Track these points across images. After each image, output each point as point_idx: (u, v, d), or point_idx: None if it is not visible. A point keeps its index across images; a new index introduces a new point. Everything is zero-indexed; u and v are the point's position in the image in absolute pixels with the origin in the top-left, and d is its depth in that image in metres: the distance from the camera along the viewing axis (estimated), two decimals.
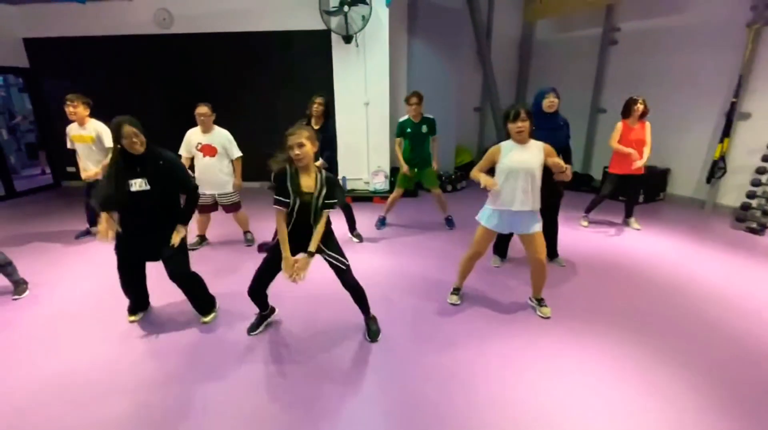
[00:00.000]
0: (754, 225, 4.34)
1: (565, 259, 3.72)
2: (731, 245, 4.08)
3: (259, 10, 5.90)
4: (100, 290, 3.25)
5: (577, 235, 4.41)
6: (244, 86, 6.27)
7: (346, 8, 4.93)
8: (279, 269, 2.40)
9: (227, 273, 3.55)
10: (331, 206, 2.33)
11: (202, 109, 3.66)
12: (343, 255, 2.44)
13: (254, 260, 3.77)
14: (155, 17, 6.07)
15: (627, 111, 4.12)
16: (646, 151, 4.15)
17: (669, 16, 5.35)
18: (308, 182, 2.25)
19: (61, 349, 2.51)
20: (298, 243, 2.37)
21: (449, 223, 4.65)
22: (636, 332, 2.63)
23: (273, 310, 2.76)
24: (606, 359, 2.38)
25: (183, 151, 3.79)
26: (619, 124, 4.17)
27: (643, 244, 4.16)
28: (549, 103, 3.20)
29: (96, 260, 3.88)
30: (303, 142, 2.15)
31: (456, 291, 3.03)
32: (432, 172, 4.38)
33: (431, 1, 5.94)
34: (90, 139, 3.91)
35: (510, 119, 2.47)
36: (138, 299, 2.81)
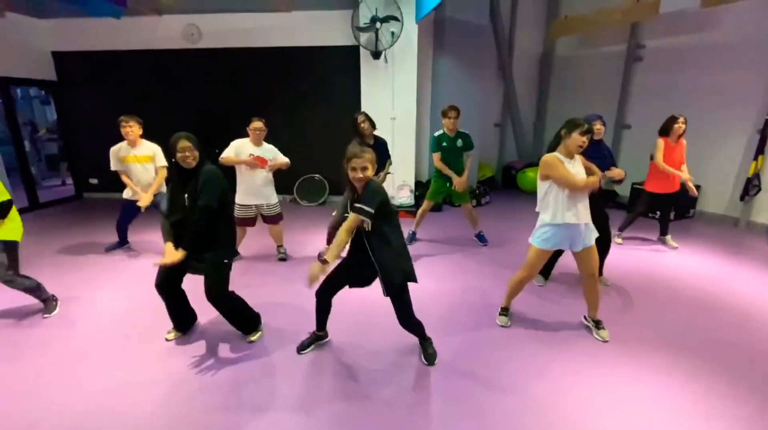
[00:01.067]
0: None
1: (607, 277, 3.64)
2: None
3: (286, 25, 5.96)
4: (136, 306, 3.19)
5: (613, 252, 4.33)
6: (273, 101, 6.30)
7: (378, 24, 4.97)
8: (344, 281, 2.39)
9: (257, 287, 3.48)
10: (358, 211, 2.07)
11: (258, 124, 3.69)
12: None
13: (286, 275, 3.82)
14: (184, 32, 6.15)
15: (667, 129, 4.05)
16: (685, 169, 4.10)
17: (695, 33, 5.36)
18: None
19: (102, 369, 2.43)
20: (356, 260, 2.29)
21: (481, 239, 4.57)
22: (697, 357, 2.54)
23: (327, 334, 2.68)
24: (673, 384, 2.28)
25: (231, 154, 3.69)
26: (661, 142, 4.06)
27: (681, 262, 4.08)
28: (596, 130, 3.16)
29: (127, 274, 3.83)
30: (367, 166, 2.09)
31: (504, 311, 2.95)
32: (464, 187, 4.32)
33: (457, 18, 5.99)
34: (148, 158, 3.95)
35: (581, 131, 2.36)
36: (181, 317, 2.74)
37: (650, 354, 2.57)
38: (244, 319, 2.69)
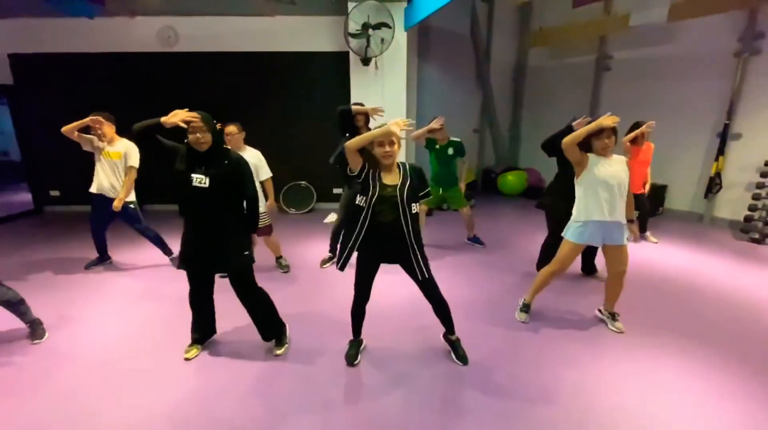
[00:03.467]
0: (757, 235, 4.70)
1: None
2: (738, 253, 4.41)
3: (271, 30, 5.86)
4: (135, 326, 2.95)
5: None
6: (257, 107, 6.13)
7: (369, 31, 5.00)
8: (372, 278, 2.37)
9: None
10: (427, 196, 2.33)
11: (230, 129, 3.52)
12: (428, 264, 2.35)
13: (295, 286, 3.71)
14: (159, 35, 5.87)
15: (634, 139, 4.28)
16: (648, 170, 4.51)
17: (660, 46, 5.84)
18: (391, 178, 2.21)
19: (117, 399, 2.21)
20: (380, 247, 2.27)
21: (477, 241, 4.68)
22: (705, 340, 2.74)
23: (363, 340, 2.64)
24: (689, 366, 2.45)
25: None
26: (627, 145, 4.33)
27: (658, 255, 4.39)
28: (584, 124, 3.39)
29: (115, 291, 3.55)
30: (394, 140, 2.14)
31: (525, 308, 3.02)
32: (458, 192, 4.44)
33: (440, 26, 6.16)
34: (117, 155, 3.70)
35: (599, 135, 2.52)
36: (205, 322, 2.61)
37: (660, 340, 2.73)
38: (274, 319, 2.61)
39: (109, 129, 3.67)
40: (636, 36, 5.88)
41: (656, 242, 4.74)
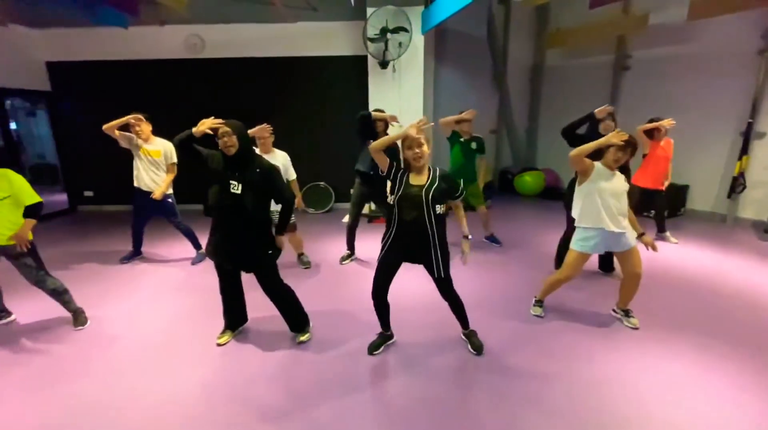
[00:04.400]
0: None
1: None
2: (762, 254, 4.33)
3: (292, 36, 6.05)
4: (169, 314, 3.16)
5: None
6: (279, 110, 6.33)
7: (388, 35, 5.13)
8: (391, 276, 2.45)
9: None
10: (461, 196, 2.43)
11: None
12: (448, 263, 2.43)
13: (318, 281, 3.85)
14: (186, 42, 6.14)
15: (650, 132, 4.31)
16: (669, 167, 4.44)
17: (681, 44, 5.78)
18: (419, 179, 2.29)
19: (155, 379, 2.40)
20: (405, 245, 2.35)
21: (494, 240, 4.73)
22: (720, 338, 2.74)
23: (393, 334, 2.72)
24: (704, 362, 2.46)
25: None
26: (642, 135, 4.30)
27: (677, 255, 4.35)
28: (605, 127, 3.46)
29: (149, 282, 3.78)
30: (422, 142, 2.24)
31: (539, 303, 3.09)
32: (477, 189, 4.52)
33: (457, 29, 6.25)
34: (157, 153, 3.97)
35: (617, 147, 2.53)
36: (235, 310, 2.78)
37: (678, 337, 2.75)
38: (298, 313, 2.74)
39: (146, 127, 3.95)
40: (655, 35, 5.83)
41: (676, 243, 4.69)
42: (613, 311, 3.05)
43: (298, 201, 3.90)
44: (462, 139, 4.37)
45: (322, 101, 6.34)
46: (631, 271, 2.78)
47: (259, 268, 2.54)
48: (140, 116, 3.89)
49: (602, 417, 2.05)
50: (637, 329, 2.85)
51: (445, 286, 2.46)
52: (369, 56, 5.56)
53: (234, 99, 6.35)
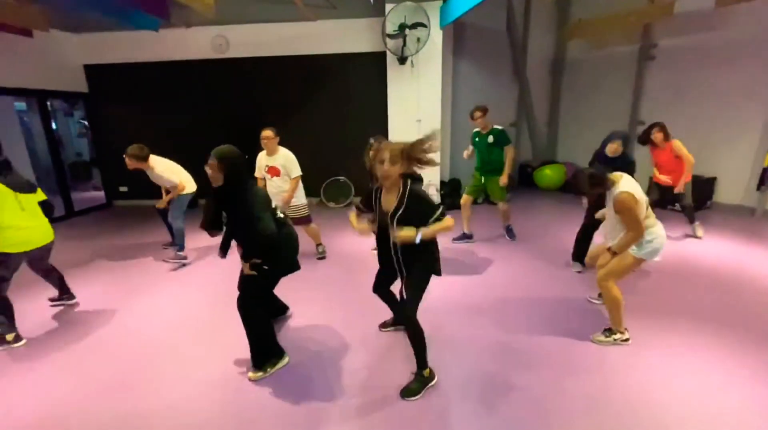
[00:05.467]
0: None
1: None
2: None
3: (313, 34, 6.19)
4: (194, 304, 3.36)
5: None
6: (300, 107, 6.52)
7: (406, 31, 5.20)
8: (390, 278, 2.41)
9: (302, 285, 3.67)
10: (437, 220, 2.00)
11: (265, 133, 3.86)
12: (419, 290, 2.14)
13: (332, 270, 4.01)
14: (212, 43, 6.38)
15: (646, 140, 4.37)
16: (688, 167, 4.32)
17: (709, 32, 5.61)
18: (388, 202, 2.08)
19: (179, 364, 2.59)
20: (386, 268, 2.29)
21: (509, 233, 4.73)
22: (741, 332, 2.73)
23: (433, 375, 2.30)
24: (722, 355, 2.47)
25: (257, 174, 4.04)
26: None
27: (703, 248, 4.28)
28: (613, 149, 3.43)
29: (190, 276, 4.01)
30: (384, 157, 1.97)
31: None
32: (497, 183, 4.38)
33: (475, 23, 6.24)
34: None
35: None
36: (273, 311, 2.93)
37: (697, 327, 2.77)
38: (258, 347, 2.41)
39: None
40: (682, 23, 5.67)
41: (701, 238, 4.59)
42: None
43: (288, 196, 3.92)
44: (479, 134, 4.38)
45: (341, 98, 6.47)
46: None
47: (242, 282, 2.44)
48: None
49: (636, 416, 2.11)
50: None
51: (406, 314, 2.15)
52: (388, 52, 5.65)
53: (257, 97, 6.58)
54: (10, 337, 2.79)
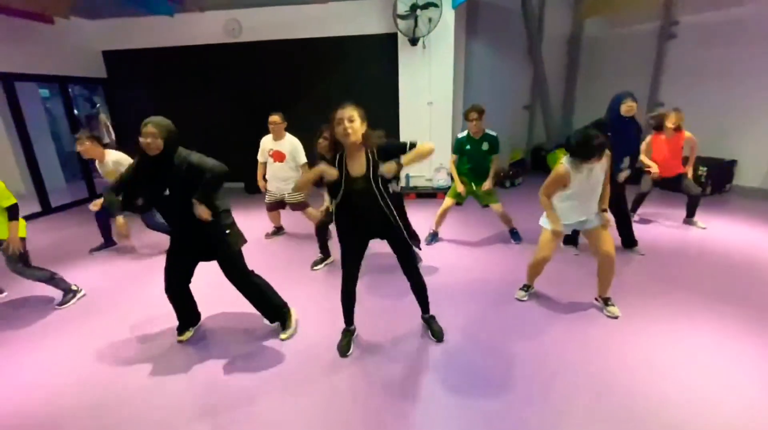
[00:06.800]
0: None
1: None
2: None
3: (324, 16, 6.18)
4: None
5: (660, 229, 4.49)
6: (312, 90, 6.56)
7: (418, 11, 5.15)
8: (360, 258, 2.36)
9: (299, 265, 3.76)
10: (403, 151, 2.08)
11: (273, 118, 3.92)
12: (416, 237, 2.33)
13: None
14: (225, 27, 6.43)
15: (660, 125, 4.17)
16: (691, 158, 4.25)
17: (732, 8, 5.38)
18: (358, 167, 2.09)
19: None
20: (361, 223, 2.22)
21: (514, 235, 4.19)
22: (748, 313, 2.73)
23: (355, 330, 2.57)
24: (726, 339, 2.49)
25: (259, 157, 4.13)
26: (649, 138, 4.25)
27: (721, 233, 4.20)
28: (627, 107, 3.27)
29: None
30: (354, 117, 2.07)
31: (526, 288, 3.02)
32: (489, 189, 3.96)
33: (489, 1, 6.12)
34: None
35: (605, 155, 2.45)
36: (185, 311, 2.66)
37: (727, 318, 2.77)
38: (269, 305, 2.60)
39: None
40: None
41: (704, 228, 4.45)
42: (596, 299, 2.89)
43: (302, 181, 3.31)
44: (471, 141, 3.86)
45: (352, 80, 6.47)
46: (602, 249, 2.63)
47: (222, 253, 2.43)
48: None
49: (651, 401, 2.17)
50: (616, 318, 2.69)
51: (416, 265, 2.38)
52: (399, 34, 5.61)
53: (269, 81, 6.64)
54: (75, 287, 3.24)
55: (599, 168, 2.51)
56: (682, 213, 4.51)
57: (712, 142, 5.68)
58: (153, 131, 2.14)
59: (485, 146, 3.84)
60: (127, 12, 6.18)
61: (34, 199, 5.85)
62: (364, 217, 2.17)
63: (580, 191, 2.56)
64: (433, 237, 4.28)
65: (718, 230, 4.28)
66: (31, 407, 2.13)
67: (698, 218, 4.43)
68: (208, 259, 2.46)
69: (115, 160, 3.74)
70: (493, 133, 3.86)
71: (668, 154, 4.19)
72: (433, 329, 2.54)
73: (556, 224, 2.63)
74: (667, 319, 2.68)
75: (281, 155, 3.99)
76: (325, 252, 3.76)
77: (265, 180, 4.19)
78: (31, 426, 2.01)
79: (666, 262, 3.58)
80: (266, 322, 2.69)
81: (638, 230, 3.95)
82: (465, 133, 3.92)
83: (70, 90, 6.74)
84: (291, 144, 4.00)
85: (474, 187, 4.00)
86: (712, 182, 5.50)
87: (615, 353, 2.35)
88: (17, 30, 5.47)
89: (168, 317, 2.70)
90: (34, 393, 2.23)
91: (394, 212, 2.16)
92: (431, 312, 2.60)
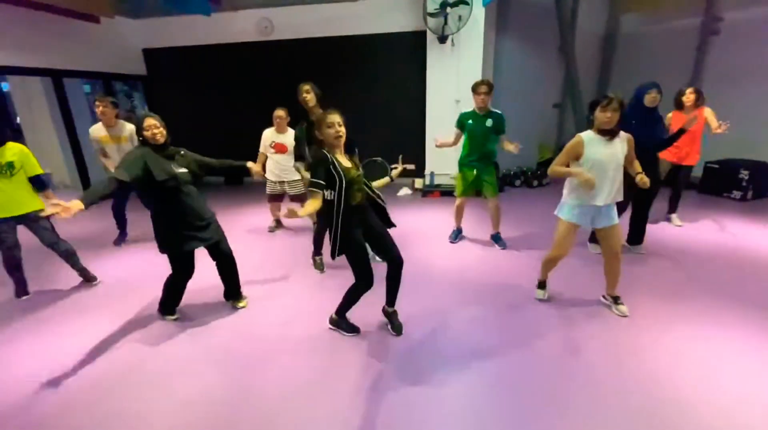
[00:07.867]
0: None
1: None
2: None
3: (354, 14, 6.25)
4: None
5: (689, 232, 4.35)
6: (340, 87, 6.63)
7: (447, 9, 5.15)
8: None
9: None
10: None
11: (280, 113, 4.14)
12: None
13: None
14: (258, 26, 6.60)
15: (679, 103, 4.09)
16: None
17: None
18: (346, 161, 2.32)
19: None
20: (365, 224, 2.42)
21: (497, 240, 4.04)
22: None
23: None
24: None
25: (261, 148, 4.29)
26: (670, 115, 4.09)
27: (757, 239, 4.04)
28: (651, 98, 3.24)
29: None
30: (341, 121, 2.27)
31: (542, 284, 3.00)
32: (493, 176, 3.86)
33: None
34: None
35: (601, 108, 2.35)
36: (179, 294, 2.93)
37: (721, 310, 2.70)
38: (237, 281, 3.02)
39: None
40: None
41: (680, 226, 4.30)
42: (603, 297, 2.89)
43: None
44: (474, 116, 3.73)
45: (380, 78, 6.53)
46: (612, 250, 2.63)
47: (222, 233, 2.84)
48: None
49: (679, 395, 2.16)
50: (626, 316, 2.69)
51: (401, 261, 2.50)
52: (428, 31, 5.61)
53: (299, 78, 6.68)
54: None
55: (619, 149, 2.45)
56: (724, 218, 4.35)
57: (754, 144, 5.42)
58: (159, 123, 2.52)
59: (489, 122, 3.68)
60: (167, 11, 6.45)
61: (79, 190, 6.23)
62: (361, 205, 2.36)
63: (597, 167, 2.43)
64: (457, 234, 4.28)
65: (754, 236, 4.10)
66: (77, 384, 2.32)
67: (739, 223, 4.25)
68: (212, 239, 2.76)
69: (131, 130, 3.96)
70: (499, 111, 3.72)
71: (687, 136, 4.04)
72: (394, 323, 2.63)
73: (581, 174, 2.39)
74: (694, 323, 2.62)
75: (283, 147, 4.20)
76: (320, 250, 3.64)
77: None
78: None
79: (704, 266, 3.48)
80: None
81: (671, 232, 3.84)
82: (470, 108, 3.83)
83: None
84: (293, 137, 4.10)
85: (476, 173, 3.82)
86: (754, 186, 5.25)
87: (646, 358, 2.33)
88: (66, 29, 5.82)
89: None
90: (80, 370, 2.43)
91: (378, 193, 2.49)
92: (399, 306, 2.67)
